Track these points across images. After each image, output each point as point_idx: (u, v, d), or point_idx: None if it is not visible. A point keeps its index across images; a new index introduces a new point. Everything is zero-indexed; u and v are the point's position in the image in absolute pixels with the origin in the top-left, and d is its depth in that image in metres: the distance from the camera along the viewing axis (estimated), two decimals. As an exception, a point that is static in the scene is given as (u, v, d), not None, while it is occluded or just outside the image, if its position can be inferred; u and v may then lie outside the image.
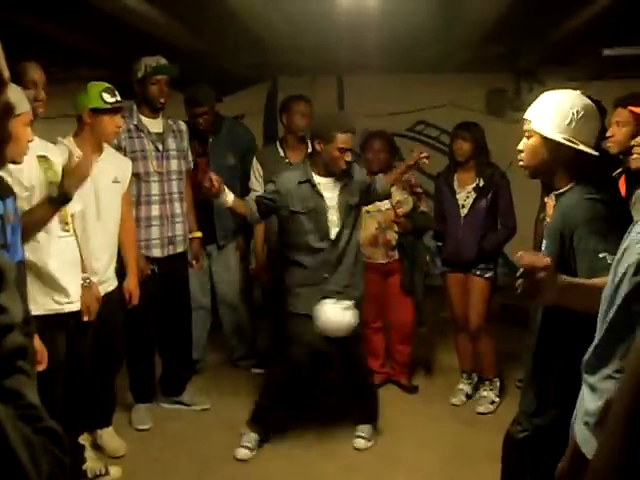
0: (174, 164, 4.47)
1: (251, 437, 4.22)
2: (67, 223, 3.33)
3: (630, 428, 0.77)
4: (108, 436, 4.18)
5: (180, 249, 4.56)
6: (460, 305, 4.83)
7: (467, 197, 4.70)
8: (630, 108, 3.22)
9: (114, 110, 3.70)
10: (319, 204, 4.07)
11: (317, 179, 4.09)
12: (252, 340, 5.47)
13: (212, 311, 5.37)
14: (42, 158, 3.25)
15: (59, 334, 3.30)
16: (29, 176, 3.13)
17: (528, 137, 2.53)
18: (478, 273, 4.72)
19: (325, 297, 3.99)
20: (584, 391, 1.98)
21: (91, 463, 3.83)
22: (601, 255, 2.22)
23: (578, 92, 2.52)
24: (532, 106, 2.55)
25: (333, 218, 4.10)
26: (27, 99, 2.97)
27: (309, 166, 4.11)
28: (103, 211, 3.79)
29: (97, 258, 3.76)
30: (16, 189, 2.98)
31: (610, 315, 1.78)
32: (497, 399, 4.81)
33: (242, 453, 4.16)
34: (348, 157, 4.01)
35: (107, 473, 3.84)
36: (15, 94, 2.78)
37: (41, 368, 2.99)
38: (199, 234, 4.77)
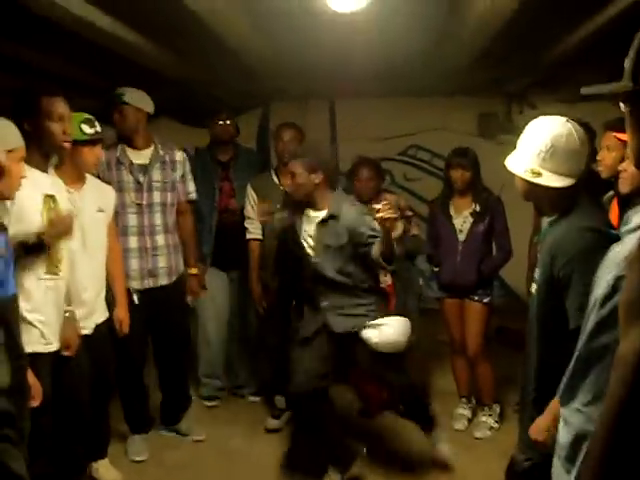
0: (157, 196, 4.43)
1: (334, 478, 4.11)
2: (57, 266, 3.28)
3: (607, 468, 0.75)
4: (104, 468, 4.13)
5: (164, 282, 4.48)
6: (458, 330, 4.81)
7: (464, 222, 4.70)
8: (615, 135, 3.23)
9: (93, 141, 3.69)
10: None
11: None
12: (250, 368, 5.42)
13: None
14: (49, 197, 3.23)
15: (43, 370, 3.21)
16: (29, 211, 3.10)
17: None
18: (476, 298, 4.71)
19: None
20: (560, 424, 1.96)
21: None
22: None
23: (562, 119, 2.55)
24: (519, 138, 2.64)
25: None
26: (58, 133, 3.08)
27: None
28: (89, 241, 3.76)
29: (85, 288, 3.73)
30: (14, 224, 2.95)
31: (579, 346, 1.76)
32: (496, 425, 4.78)
33: None
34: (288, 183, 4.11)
35: None
36: (8, 129, 2.77)
37: (35, 404, 2.96)
38: (195, 270, 4.73)
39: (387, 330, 3.89)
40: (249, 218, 4.86)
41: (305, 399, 4.00)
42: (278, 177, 4.87)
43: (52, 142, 3.23)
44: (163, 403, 4.83)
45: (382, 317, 3.95)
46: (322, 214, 3.99)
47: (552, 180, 2.47)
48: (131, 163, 4.39)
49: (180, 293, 4.67)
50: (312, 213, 4.03)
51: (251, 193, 4.88)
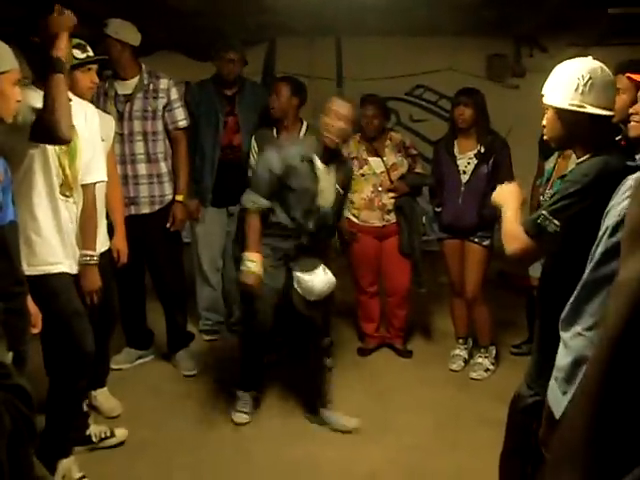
0: (137, 125, 4.46)
1: (246, 399, 4.25)
2: (71, 188, 3.28)
3: (603, 391, 0.76)
4: (103, 397, 4.22)
5: (146, 210, 4.55)
6: (457, 271, 4.83)
7: (468, 163, 4.67)
8: (628, 75, 3.19)
9: (85, 65, 3.62)
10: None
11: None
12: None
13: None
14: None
15: (62, 287, 3.28)
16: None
17: (545, 111, 2.61)
18: (476, 240, 4.70)
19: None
20: (560, 347, 2.04)
21: (95, 427, 3.85)
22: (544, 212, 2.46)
23: (589, 58, 2.54)
24: (547, 80, 2.61)
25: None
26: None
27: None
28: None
29: None
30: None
31: (586, 272, 1.86)
32: (492, 367, 4.83)
33: (239, 417, 4.18)
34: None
35: (113, 435, 3.86)
36: (1, 51, 2.72)
37: (35, 331, 2.99)
38: (180, 197, 4.69)
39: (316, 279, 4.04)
40: (252, 168, 4.75)
41: (264, 337, 4.21)
42: (278, 133, 4.83)
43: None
44: (167, 333, 4.97)
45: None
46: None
47: (597, 111, 2.47)
48: (116, 94, 4.43)
49: (164, 222, 4.66)
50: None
51: (254, 146, 4.86)
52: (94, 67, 3.71)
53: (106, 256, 3.91)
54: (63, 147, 3.19)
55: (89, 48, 3.65)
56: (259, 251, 3.93)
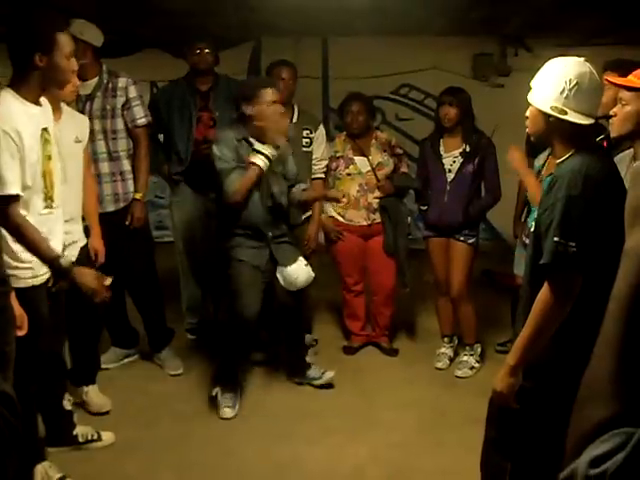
0: (97, 124, 4.45)
1: (230, 394, 4.28)
2: (52, 199, 3.23)
3: (625, 339, 0.80)
4: (93, 393, 4.25)
5: (110, 208, 4.53)
6: (442, 270, 4.85)
7: (453, 162, 4.69)
8: (606, 78, 3.21)
9: None
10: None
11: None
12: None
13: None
14: (44, 130, 3.13)
15: (42, 301, 3.24)
16: (29, 147, 3.01)
17: (529, 105, 2.61)
18: (461, 239, 4.73)
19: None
20: None
21: (82, 428, 3.85)
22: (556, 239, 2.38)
23: (580, 59, 2.52)
24: (536, 75, 2.61)
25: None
26: (68, 70, 3.01)
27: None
28: (69, 173, 3.73)
29: (68, 220, 3.70)
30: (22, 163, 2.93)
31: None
32: (477, 365, 4.85)
33: (226, 412, 4.21)
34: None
35: (99, 439, 3.86)
36: None
37: (21, 333, 2.97)
38: (138, 195, 4.66)
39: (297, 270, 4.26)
40: None
41: (249, 330, 4.29)
42: None
43: (62, 78, 3.11)
44: (146, 333, 4.96)
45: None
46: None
47: (577, 118, 2.46)
48: (78, 94, 4.35)
49: (121, 219, 4.62)
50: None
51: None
52: (76, 70, 3.70)
53: (85, 251, 3.92)
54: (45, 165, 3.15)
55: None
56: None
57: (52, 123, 3.23)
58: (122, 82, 4.56)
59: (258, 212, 4.21)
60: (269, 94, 4.11)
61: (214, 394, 4.30)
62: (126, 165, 4.61)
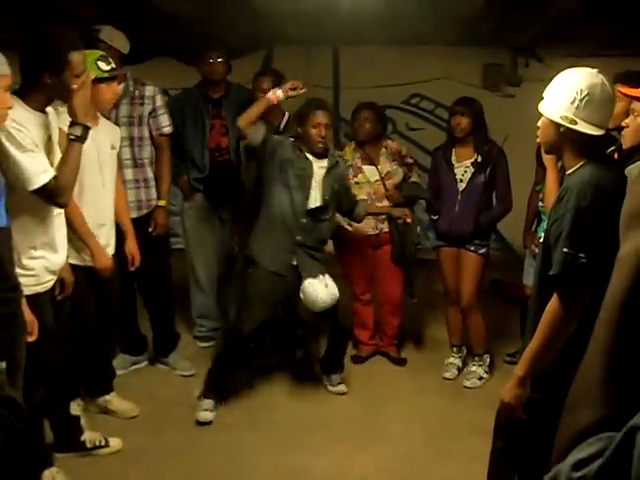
0: (124, 131, 4.47)
1: (207, 402, 4.30)
2: None
3: (616, 343, 0.81)
4: (117, 400, 4.29)
5: (133, 215, 4.53)
6: (452, 280, 4.84)
7: (465, 172, 4.69)
8: (619, 89, 3.21)
9: (111, 78, 3.68)
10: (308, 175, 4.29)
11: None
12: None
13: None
14: (49, 139, 3.15)
15: (46, 308, 3.23)
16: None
17: (541, 115, 2.61)
18: (472, 249, 4.72)
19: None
20: None
21: (90, 434, 3.85)
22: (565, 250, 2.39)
23: (592, 70, 2.53)
24: (549, 86, 2.62)
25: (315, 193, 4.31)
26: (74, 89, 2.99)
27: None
28: (106, 179, 3.85)
29: (104, 224, 3.84)
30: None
31: None
32: (486, 375, 4.83)
33: (204, 415, 4.24)
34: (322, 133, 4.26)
35: (107, 445, 3.86)
36: None
37: (31, 339, 2.97)
38: (162, 202, 4.73)
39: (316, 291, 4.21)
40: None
41: (241, 342, 4.34)
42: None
43: (68, 95, 3.10)
44: (153, 337, 5.00)
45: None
46: (326, 162, 4.32)
47: (587, 128, 2.46)
48: None
49: (143, 226, 4.64)
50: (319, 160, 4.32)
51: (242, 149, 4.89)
52: (117, 79, 3.77)
53: (115, 261, 3.94)
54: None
55: (110, 59, 3.68)
56: None
57: (57, 131, 3.24)
58: (149, 90, 4.62)
59: (292, 212, 4.25)
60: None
61: (197, 395, 4.33)
62: (149, 172, 4.67)
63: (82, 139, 3.04)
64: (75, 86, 3.01)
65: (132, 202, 4.56)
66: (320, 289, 4.19)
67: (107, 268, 3.81)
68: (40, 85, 2.96)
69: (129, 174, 4.56)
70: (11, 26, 3.32)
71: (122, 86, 4.46)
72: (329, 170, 4.34)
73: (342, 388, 4.64)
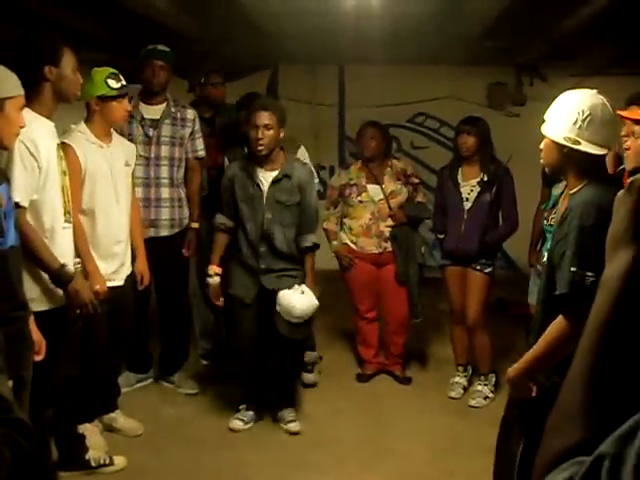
0: (165, 150, 4.54)
1: (248, 414, 4.36)
2: (70, 213, 3.27)
3: (596, 378, 0.81)
4: (122, 418, 4.27)
5: (165, 233, 4.60)
6: (458, 299, 4.83)
7: (471, 191, 4.70)
8: (618, 112, 3.22)
9: (121, 95, 3.71)
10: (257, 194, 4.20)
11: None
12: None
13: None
14: (59, 145, 3.21)
15: (58, 325, 3.24)
16: (47, 159, 3.07)
17: (543, 137, 2.63)
18: (478, 268, 4.71)
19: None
20: None
21: (94, 452, 3.83)
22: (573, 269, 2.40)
23: (593, 92, 2.55)
24: (550, 108, 2.64)
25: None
26: (76, 82, 3.07)
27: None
28: (120, 195, 3.85)
29: (118, 241, 3.84)
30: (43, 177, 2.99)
31: None
32: (491, 394, 4.80)
33: (236, 424, 4.30)
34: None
35: (112, 463, 3.85)
36: (7, 77, 2.73)
37: (38, 358, 2.97)
38: (195, 225, 4.78)
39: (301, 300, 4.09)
40: None
41: (246, 355, 4.36)
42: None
43: (71, 90, 3.18)
44: (161, 355, 4.98)
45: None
46: (275, 174, 4.17)
47: (591, 148, 2.48)
48: (142, 117, 4.49)
49: (181, 245, 4.74)
50: (265, 171, 4.18)
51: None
52: (127, 96, 3.80)
53: (129, 281, 3.94)
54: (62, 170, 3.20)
55: (121, 77, 3.71)
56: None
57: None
58: (190, 114, 4.68)
59: (248, 244, 4.22)
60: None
61: (239, 408, 4.40)
62: (182, 192, 4.71)
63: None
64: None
65: (166, 220, 4.60)
66: (294, 298, 4.09)
67: (102, 292, 3.63)
68: (43, 84, 3.01)
69: (165, 192, 4.59)
70: (6, 44, 3.36)
71: (163, 106, 4.55)
72: (276, 182, 4.17)
73: (294, 427, 4.35)
